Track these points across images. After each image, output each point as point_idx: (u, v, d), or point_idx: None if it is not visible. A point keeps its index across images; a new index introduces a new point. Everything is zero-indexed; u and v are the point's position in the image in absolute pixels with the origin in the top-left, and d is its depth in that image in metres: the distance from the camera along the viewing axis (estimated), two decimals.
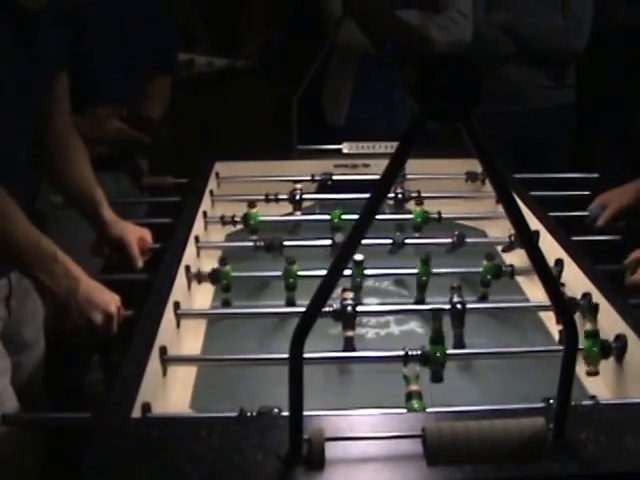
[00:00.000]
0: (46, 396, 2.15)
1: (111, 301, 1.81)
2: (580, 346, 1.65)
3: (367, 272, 1.99)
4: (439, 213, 2.36)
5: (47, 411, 1.93)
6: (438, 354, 1.54)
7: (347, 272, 1.92)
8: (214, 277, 2.00)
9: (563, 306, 1.13)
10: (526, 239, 1.11)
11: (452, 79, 0.97)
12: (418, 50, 1.03)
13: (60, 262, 1.76)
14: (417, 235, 2.32)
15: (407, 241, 2.19)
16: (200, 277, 2.03)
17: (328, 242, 2.14)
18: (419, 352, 1.54)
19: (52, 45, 1.95)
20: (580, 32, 3.73)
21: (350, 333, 1.73)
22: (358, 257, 1.93)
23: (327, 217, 2.33)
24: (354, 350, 1.71)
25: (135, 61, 2.70)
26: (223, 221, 2.37)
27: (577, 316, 1.82)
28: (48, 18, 1.89)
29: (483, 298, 2.01)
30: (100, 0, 2.53)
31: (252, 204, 2.34)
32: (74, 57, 2.12)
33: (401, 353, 1.55)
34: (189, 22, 5.69)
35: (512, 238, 2.19)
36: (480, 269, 2.03)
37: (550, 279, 1.11)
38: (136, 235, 2.16)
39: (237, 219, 2.35)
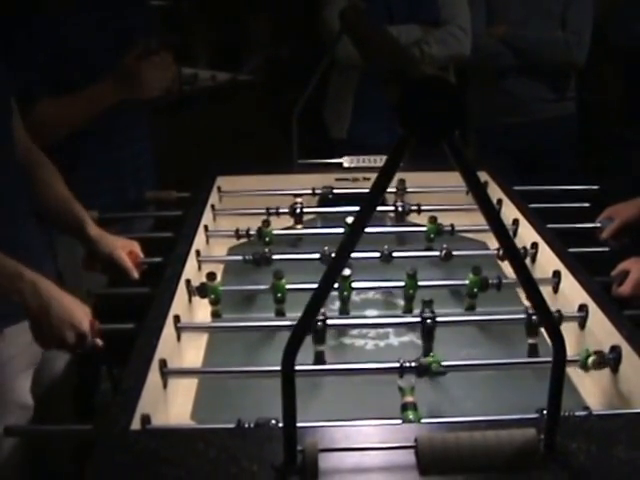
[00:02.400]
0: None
1: (83, 318, 1.79)
2: (577, 357, 1.69)
3: (354, 285, 2.01)
4: (452, 226, 2.40)
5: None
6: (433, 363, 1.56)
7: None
8: (202, 291, 2.02)
9: (549, 319, 1.14)
10: (511, 254, 1.13)
11: (434, 101, 0.99)
12: (402, 71, 1.04)
13: (28, 281, 1.75)
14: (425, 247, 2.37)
15: (396, 254, 2.21)
16: None
17: (317, 255, 2.16)
18: (414, 363, 1.56)
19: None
20: (580, 45, 3.75)
21: (321, 347, 1.76)
22: (345, 272, 1.96)
23: (328, 230, 2.37)
24: (324, 363, 1.74)
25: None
26: (237, 234, 2.40)
27: (573, 326, 1.86)
28: None
29: (470, 309, 2.03)
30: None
31: (266, 222, 2.38)
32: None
33: (397, 365, 1.57)
34: (193, 37, 5.75)
35: None
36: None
37: (535, 292, 1.12)
38: (126, 249, 2.17)
39: (251, 232, 2.38)
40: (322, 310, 1.78)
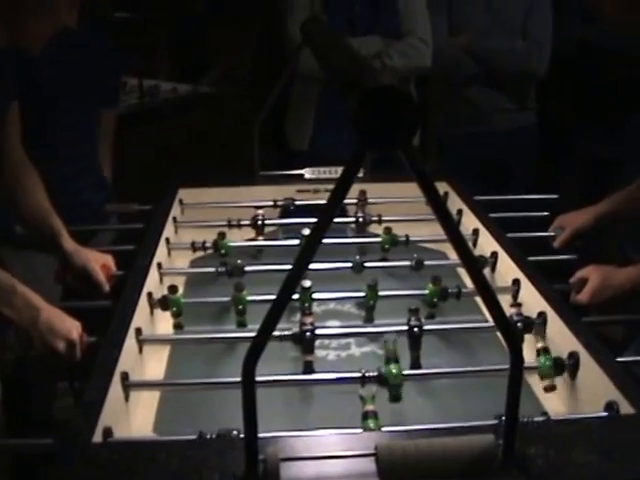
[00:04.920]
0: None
1: (73, 328, 1.82)
2: (535, 364, 1.71)
3: (315, 296, 2.01)
4: (407, 237, 2.41)
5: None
6: (394, 374, 1.57)
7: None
8: (164, 304, 2.02)
9: (507, 327, 1.16)
10: (468, 264, 1.14)
11: (390, 110, 1.00)
12: (360, 81, 1.05)
13: (19, 293, 1.78)
14: (380, 258, 2.38)
15: (367, 264, 2.22)
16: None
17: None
18: (376, 373, 1.57)
19: (3, 76, 1.97)
20: (540, 55, 3.79)
21: (309, 357, 1.76)
22: (306, 283, 1.97)
23: (290, 242, 2.38)
24: (313, 373, 1.74)
25: (84, 97, 2.75)
26: (194, 247, 2.40)
27: (533, 334, 1.88)
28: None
29: (429, 318, 2.04)
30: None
31: (222, 234, 2.39)
32: (24, 95, 2.15)
33: (358, 375, 1.58)
34: (154, 49, 5.74)
35: None
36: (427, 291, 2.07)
37: (493, 301, 1.14)
38: (99, 262, 2.18)
39: (208, 245, 2.38)
40: (310, 320, 1.80)
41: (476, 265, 1.15)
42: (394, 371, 1.56)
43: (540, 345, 1.74)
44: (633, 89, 2.05)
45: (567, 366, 1.70)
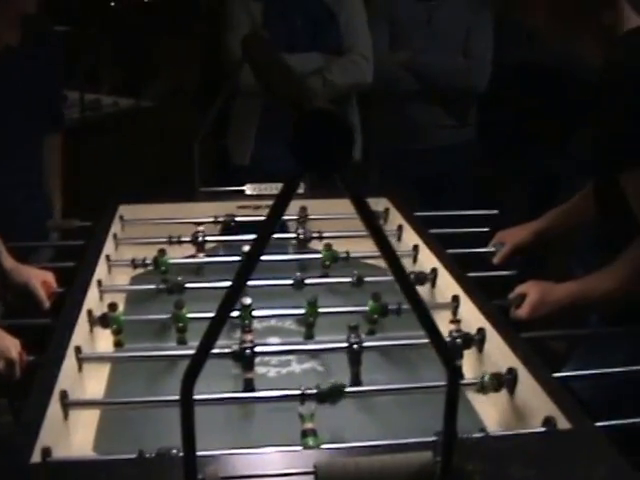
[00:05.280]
0: None
1: (11, 347, 1.80)
2: (475, 379, 1.73)
3: (255, 313, 2.01)
4: (347, 253, 2.42)
5: None
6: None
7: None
8: (104, 321, 2.01)
9: (441, 344, 1.17)
10: (401, 281, 1.15)
11: (325, 133, 1.01)
12: (296, 104, 1.06)
13: None
14: (320, 274, 2.38)
15: (308, 281, 2.22)
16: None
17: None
18: (315, 391, 1.57)
19: None
20: (481, 71, 3.84)
21: (249, 374, 1.76)
22: (246, 301, 1.97)
23: (230, 259, 2.37)
24: (254, 391, 1.74)
25: (28, 113, 2.74)
26: (134, 264, 2.39)
27: (473, 350, 1.89)
28: None
29: (371, 334, 2.05)
30: None
31: (162, 251, 2.38)
32: None
33: (297, 392, 1.58)
34: (96, 62, 5.71)
35: (412, 275, 2.25)
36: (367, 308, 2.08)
37: (426, 318, 1.15)
38: (40, 279, 2.16)
39: (148, 261, 2.37)
40: (250, 338, 1.79)
41: (409, 283, 1.16)
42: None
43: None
44: (576, 105, 2.08)
45: (505, 381, 1.71)
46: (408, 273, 2.18)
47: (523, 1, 2.16)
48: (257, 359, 1.81)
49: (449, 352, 1.18)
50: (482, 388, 1.71)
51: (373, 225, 1.11)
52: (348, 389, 1.63)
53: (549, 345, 3.08)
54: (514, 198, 4.10)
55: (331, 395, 1.56)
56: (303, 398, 1.57)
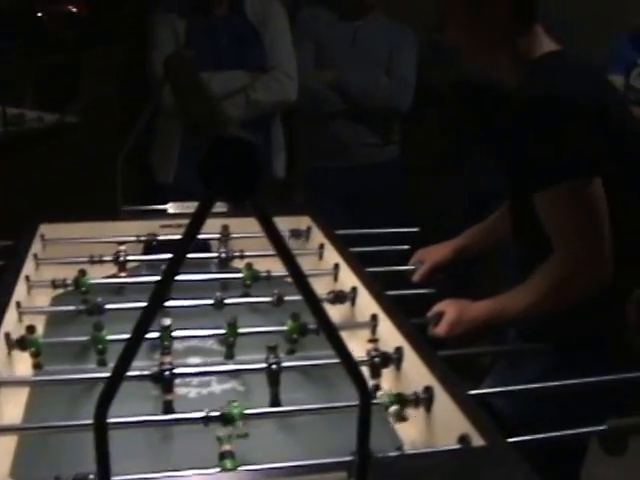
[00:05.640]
0: None
1: None
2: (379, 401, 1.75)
3: (175, 334, 2.01)
4: (268, 272, 2.42)
5: None
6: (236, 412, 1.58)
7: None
8: (22, 344, 1.99)
9: (352, 365, 1.19)
10: (310, 304, 1.17)
11: (237, 162, 1.02)
12: (209, 130, 1.08)
13: None
14: (242, 294, 2.39)
15: (229, 300, 2.23)
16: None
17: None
18: (218, 413, 1.57)
19: None
20: (404, 91, 3.89)
21: (169, 396, 1.76)
22: (166, 322, 1.97)
23: (152, 278, 2.37)
24: (173, 412, 1.73)
25: None
26: (54, 284, 2.37)
27: (391, 369, 1.91)
28: None
29: (290, 353, 2.06)
30: None
31: (82, 271, 2.36)
32: None
33: (201, 415, 1.58)
34: (19, 76, 5.64)
35: (332, 294, 2.27)
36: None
37: (335, 339, 1.17)
38: None
39: (68, 282, 2.35)
40: (168, 359, 1.79)
41: (318, 305, 1.17)
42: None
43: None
44: (504, 124, 2.13)
45: (422, 400, 1.74)
46: (329, 292, 2.23)
47: (443, 24, 2.20)
48: (178, 380, 1.81)
49: (359, 372, 1.20)
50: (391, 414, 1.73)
51: (284, 252, 1.12)
52: (261, 410, 1.64)
53: (479, 360, 3.13)
54: (439, 215, 4.15)
55: (231, 418, 1.57)
56: (207, 420, 1.57)
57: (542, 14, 2.19)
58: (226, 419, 1.56)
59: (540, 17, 2.18)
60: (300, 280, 1.14)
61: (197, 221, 1.07)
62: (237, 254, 2.55)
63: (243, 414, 1.58)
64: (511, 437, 1.57)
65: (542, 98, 2.01)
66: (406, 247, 2.68)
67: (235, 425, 1.56)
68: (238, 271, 2.47)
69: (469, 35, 2.16)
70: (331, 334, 1.16)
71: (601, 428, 1.77)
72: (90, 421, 1.19)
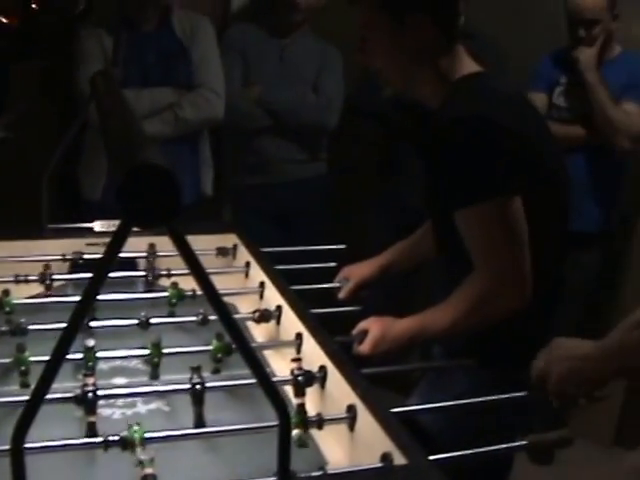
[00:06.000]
0: None
1: None
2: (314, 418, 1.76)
3: (99, 355, 2.00)
4: (194, 291, 2.42)
5: None
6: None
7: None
8: None
9: (269, 386, 1.20)
10: (226, 326, 1.18)
11: (153, 186, 1.04)
12: (126, 157, 1.09)
13: None
14: (168, 313, 2.39)
15: (154, 320, 2.22)
16: None
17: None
18: (117, 437, 1.57)
19: None
20: (331, 108, 3.92)
21: (92, 418, 1.75)
22: (90, 343, 1.96)
23: (78, 298, 2.34)
24: (97, 435, 1.72)
25: None
26: None
27: (315, 387, 1.93)
28: None
29: (215, 372, 2.07)
30: None
31: (6, 291, 2.34)
32: None
33: (100, 439, 1.57)
34: None
35: (257, 312, 2.28)
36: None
37: (252, 359, 1.18)
38: None
39: None
40: (92, 381, 1.77)
41: (234, 324, 1.18)
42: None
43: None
44: (427, 144, 2.16)
45: (346, 418, 1.75)
46: (254, 310, 2.24)
47: (364, 45, 2.22)
48: (102, 401, 1.80)
49: (277, 392, 1.21)
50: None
51: (201, 277, 1.14)
52: (164, 433, 1.63)
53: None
54: (368, 231, 4.17)
55: (130, 442, 1.57)
56: (106, 445, 1.56)
57: (463, 34, 2.23)
58: (125, 443, 1.56)
59: (461, 37, 2.23)
60: (216, 303, 1.15)
61: (114, 246, 1.08)
62: (164, 272, 2.54)
63: (143, 438, 1.57)
64: (437, 453, 1.60)
65: (462, 119, 2.05)
66: (333, 264, 2.69)
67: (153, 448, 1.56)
68: (164, 290, 2.47)
69: (390, 57, 2.19)
70: (247, 354, 1.18)
71: (522, 444, 1.81)
72: (7, 447, 1.18)
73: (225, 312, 1.16)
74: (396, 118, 3.96)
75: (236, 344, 1.18)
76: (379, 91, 3.73)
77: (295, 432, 1.72)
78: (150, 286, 2.57)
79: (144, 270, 2.59)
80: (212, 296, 1.15)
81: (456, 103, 2.12)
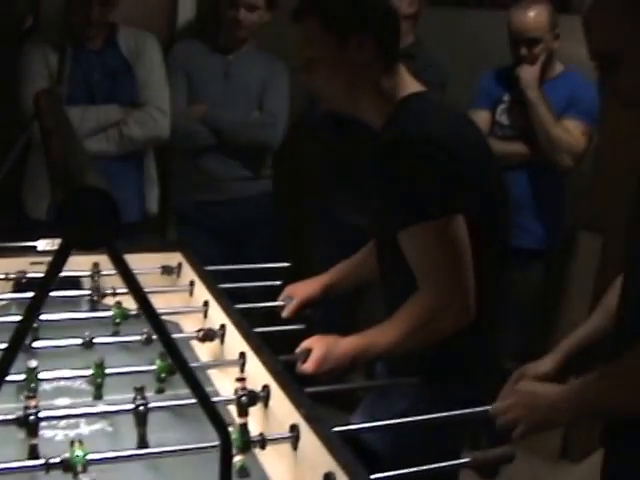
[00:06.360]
0: None
1: None
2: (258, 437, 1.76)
3: (41, 376, 1.99)
4: (138, 310, 2.41)
5: None
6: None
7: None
8: None
9: (210, 408, 1.21)
10: (166, 346, 1.18)
11: (92, 209, 1.04)
12: (66, 179, 1.10)
13: None
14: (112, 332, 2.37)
15: (98, 340, 2.21)
16: None
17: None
18: (58, 460, 1.56)
19: None
20: (276, 126, 3.93)
21: (34, 440, 1.74)
22: (32, 364, 1.95)
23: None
24: (38, 458, 1.71)
25: None
26: None
27: (259, 407, 1.93)
28: None
29: (159, 392, 2.06)
30: None
31: None
32: None
33: (42, 462, 1.57)
34: None
35: (202, 332, 2.28)
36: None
37: (193, 382, 1.18)
38: None
39: None
40: (33, 403, 1.75)
41: (173, 345, 1.19)
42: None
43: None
44: (368, 165, 2.18)
45: (289, 438, 1.76)
46: (198, 330, 2.24)
47: (307, 66, 2.24)
48: (44, 422, 1.79)
49: (218, 414, 1.22)
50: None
51: (142, 300, 1.14)
52: (104, 455, 1.63)
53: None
54: (312, 249, 4.19)
55: (72, 464, 1.56)
56: (47, 467, 1.56)
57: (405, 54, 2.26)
58: (67, 465, 1.55)
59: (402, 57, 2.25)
60: (156, 323, 1.15)
61: (55, 268, 1.08)
62: (108, 292, 2.53)
63: (85, 460, 1.57)
64: (382, 471, 1.61)
65: (403, 140, 2.07)
66: (278, 283, 2.70)
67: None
68: (108, 309, 2.46)
69: (333, 76, 2.21)
70: (187, 375, 1.18)
71: (465, 461, 1.83)
72: None
73: (164, 332, 1.17)
74: (332, 134, 3.98)
75: (175, 364, 1.19)
76: (317, 106, 3.76)
77: (237, 459, 1.72)
78: (94, 305, 2.55)
79: (89, 289, 2.57)
80: (151, 316, 1.15)
81: (397, 124, 2.14)
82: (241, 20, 3.85)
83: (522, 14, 3.80)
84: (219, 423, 1.22)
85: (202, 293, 2.51)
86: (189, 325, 2.48)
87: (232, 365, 2.13)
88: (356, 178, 3.85)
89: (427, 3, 4.03)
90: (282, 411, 1.85)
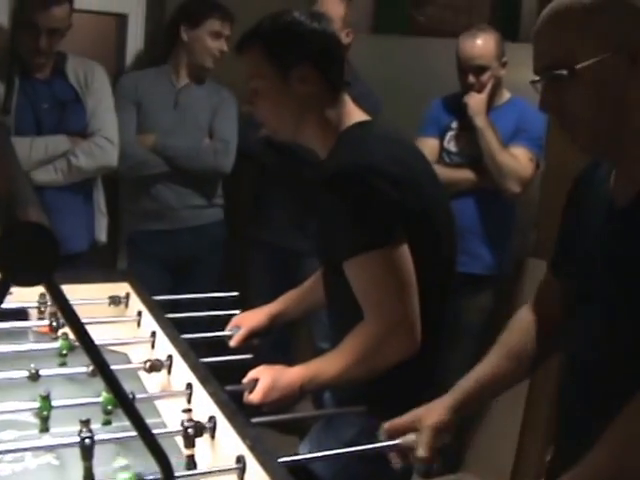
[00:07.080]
0: None
1: None
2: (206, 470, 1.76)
3: None
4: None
5: None
6: None
7: None
8: None
9: (152, 443, 1.21)
10: (105, 378, 1.18)
11: (32, 246, 1.04)
12: (5, 214, 1.11)
13: None
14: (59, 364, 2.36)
15: (44, 372, 2.20)
16: None
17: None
18: None
19: None
20: (226, 152, 3.94)
21: None
22: None
23: None
24: None
25: None
26: None
27: (206, 438, 1.93)
28: None
29: (106, 424, 2.05)
30: None
31: None
32: None
33: None
34: None
35: (149, 362, 2.28)
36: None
37: (135, 415, 1.19)
38: None
39: None
40: None
41: (113, 379, 1.19)
42: None
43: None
44: (312, 188, 2.20)
45: (235, 469, 1.76)
46: (145, 360, 2.24)
47: (252, 97, 2.26)
48: None
49: (159, 448, 1.22)
50: None
51: (79, 333, 1.14)
52: None
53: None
54: (262, 279, 4.19)
55: None
56: None
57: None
58: None
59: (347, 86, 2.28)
60: (94, 357, 1.15)
61: None
62: (54, 324, 2.51)
63: None
64: None
65: (346, 171, 2.09)
66: (227, 312, 2.70)
67: None
68: (55, 340, 2.44)
69: (278, 107, 2.23)
70: (128, 410, 1.19)
71: None
72: None
73: (103, 365, 1.17)
74: (269, 159, 4.01)
75: (115, 397, 1.19)
76: (254, 132, 3.78)
77: None
78: (40, 337, 2.53)
79: (35, 320, 2.55)
80: (89, 350, 1.16)
81: (341, 154, 2.16)
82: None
83: (470, 42, 3.86)
84: (161, 458, 1.22)
85: (149, 323, 2.50)
86: (137, 355, 2.47)
87: (179, 396, 2.12)
88: (296, 204, 3.88)
89: (371, 32, 4.07)
90: (228, 442, 1.84)
